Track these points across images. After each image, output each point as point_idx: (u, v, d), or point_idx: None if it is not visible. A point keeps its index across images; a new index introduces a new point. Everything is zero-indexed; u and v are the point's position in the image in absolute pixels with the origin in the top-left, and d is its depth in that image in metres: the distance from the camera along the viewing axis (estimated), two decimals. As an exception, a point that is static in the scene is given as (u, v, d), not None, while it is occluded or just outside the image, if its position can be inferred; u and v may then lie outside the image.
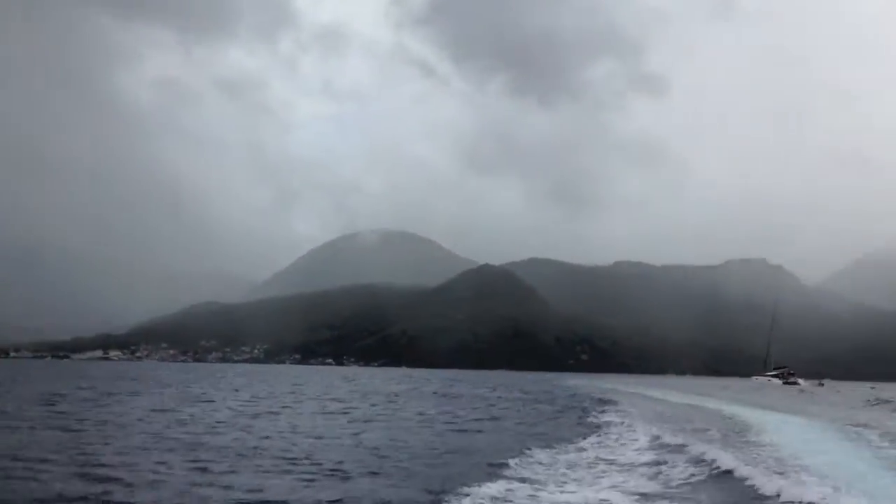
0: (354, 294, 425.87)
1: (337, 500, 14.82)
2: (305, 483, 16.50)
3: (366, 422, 32.93)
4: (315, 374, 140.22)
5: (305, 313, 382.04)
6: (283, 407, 41.37)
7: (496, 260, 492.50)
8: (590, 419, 35.05)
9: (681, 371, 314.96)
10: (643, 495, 15.23)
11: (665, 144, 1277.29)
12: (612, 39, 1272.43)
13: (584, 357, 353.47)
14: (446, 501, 14.35)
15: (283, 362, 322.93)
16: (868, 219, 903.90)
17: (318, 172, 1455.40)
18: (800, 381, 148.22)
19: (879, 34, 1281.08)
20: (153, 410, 36.13)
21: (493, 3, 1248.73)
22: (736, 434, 25.91)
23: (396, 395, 59.97)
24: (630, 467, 18.95)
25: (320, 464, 19.07)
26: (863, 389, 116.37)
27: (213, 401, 45.50)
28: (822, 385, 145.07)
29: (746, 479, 15.88)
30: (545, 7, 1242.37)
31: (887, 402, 51.82)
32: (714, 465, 17.83)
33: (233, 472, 17.68)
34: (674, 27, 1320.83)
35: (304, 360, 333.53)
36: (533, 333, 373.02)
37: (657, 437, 23.77)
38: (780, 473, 16.58)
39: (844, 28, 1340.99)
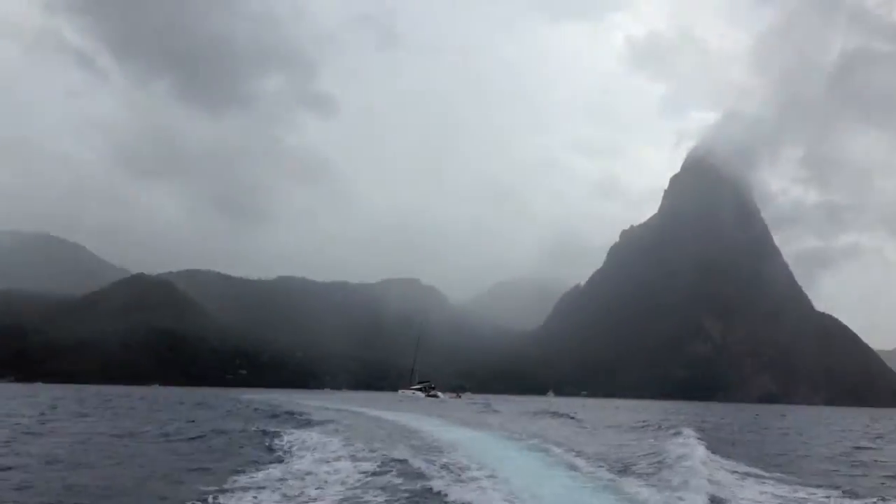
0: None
1: None
2: None
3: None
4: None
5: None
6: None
7: (153, 269, 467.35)
8: (279, 438, 34.91)
9: (338, 386, 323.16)
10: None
11: (331, 163, 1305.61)
12: (286, 55, 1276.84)
13: (242, 372, 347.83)
14: None
15: None
16: (507, 247, 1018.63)
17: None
18: (440, 393, 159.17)
19: (524, 81, 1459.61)
20: None
21: (162, 2, 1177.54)
22: (427, 447, 28.38)
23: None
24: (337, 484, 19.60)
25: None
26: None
27: None
28: (460, 397, 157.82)
29: (430, 482, 17.94)
30: (218, 14, 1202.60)
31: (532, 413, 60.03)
32: (404, 470, 19.65)
33: None
34: (346, 52, 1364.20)
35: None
36: (190, 347, 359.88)
37: (350, 447, 25.24)
38: (460, 481, 18.77)
39: (494, 74, 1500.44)
